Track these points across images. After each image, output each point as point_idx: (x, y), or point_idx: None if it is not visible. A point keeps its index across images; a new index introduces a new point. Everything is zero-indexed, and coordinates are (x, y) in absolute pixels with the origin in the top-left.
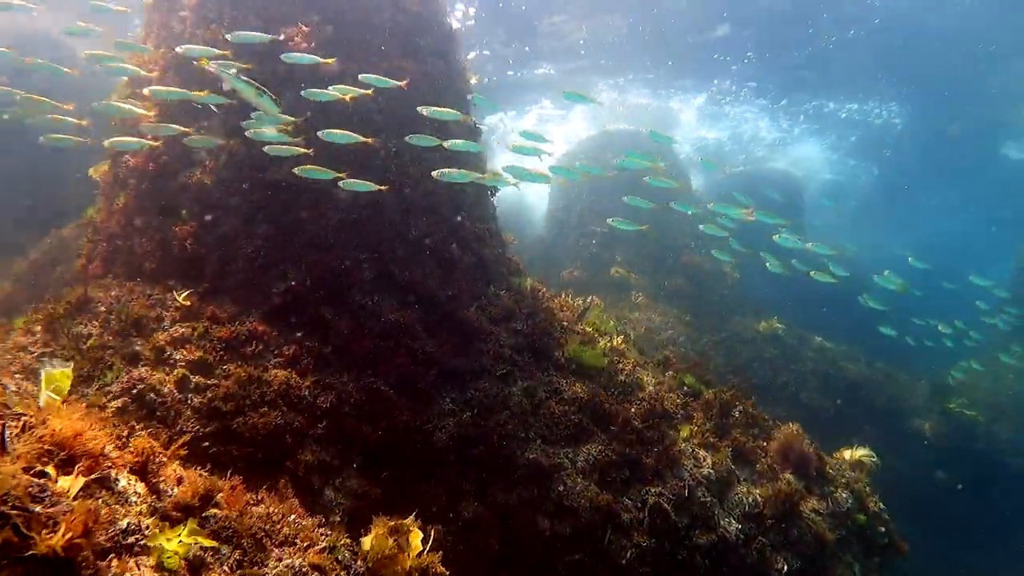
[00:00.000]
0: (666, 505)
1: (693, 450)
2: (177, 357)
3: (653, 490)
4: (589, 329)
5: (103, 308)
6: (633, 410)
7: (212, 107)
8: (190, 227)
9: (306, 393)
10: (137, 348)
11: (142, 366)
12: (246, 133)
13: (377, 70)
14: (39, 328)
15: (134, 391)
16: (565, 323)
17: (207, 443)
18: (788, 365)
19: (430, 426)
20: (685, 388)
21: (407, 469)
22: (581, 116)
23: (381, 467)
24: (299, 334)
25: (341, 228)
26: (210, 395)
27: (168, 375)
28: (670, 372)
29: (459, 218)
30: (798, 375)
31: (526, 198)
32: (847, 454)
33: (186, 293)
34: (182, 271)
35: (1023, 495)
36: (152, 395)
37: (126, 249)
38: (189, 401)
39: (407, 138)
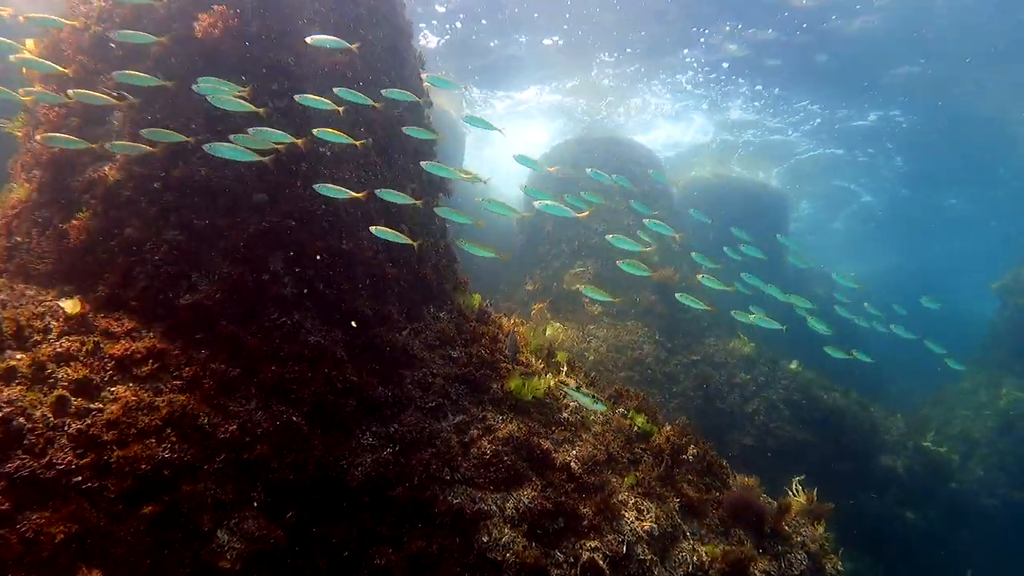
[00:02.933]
0: (601, 562)
1: (637, 501)
2: (60, 375)
3: (588, 544)
4: (535, 360)
5: None
6: (574, 453)
7: (127, 96)
8: (86, 225)
9: (204, 421)
10: (14, 363)
11: (16, 385)
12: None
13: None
14: None
15: None
16: (508, 352)
17: (79, 477)
18: (760, 392)
19: (345, 462)
20: (636, 429)
21: (316, 510)
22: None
23: (286, 507)
24: (204, 353)
25: (261, 237)
26: (90, 421)
27: (45, 396)
28: (621, 409)
29: (398, 230)
30: (769, 404)
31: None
32: (804, 500)
33: (75, 301)
34: (81, 276)
35: (994, 537)
36: (21, 420)
37: (25, 247)
38: (66, 428)
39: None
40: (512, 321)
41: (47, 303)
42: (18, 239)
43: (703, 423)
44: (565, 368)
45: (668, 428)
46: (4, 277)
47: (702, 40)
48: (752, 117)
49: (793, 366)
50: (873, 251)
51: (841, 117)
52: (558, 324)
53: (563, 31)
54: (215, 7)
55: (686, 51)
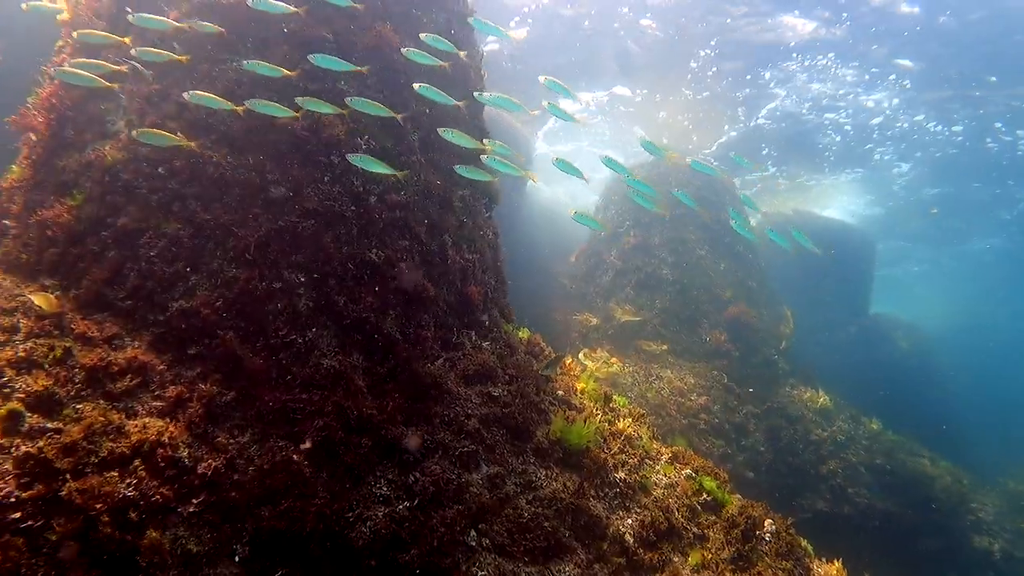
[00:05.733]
0: None
1: None
2: (17, 385)
3: None
4: (589, 402)
5: None
6: (630, 521)
7: (139, 67)
8: (75, 211)
9: (183, 454)
10: None
11: None
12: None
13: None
14: None
15: None
16: (560, 392)
17: (18, 513)
18: (838, 452)
19: (351, 515)
20: (705, 496)
21: (311, 571)
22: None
23: (274, 565)
24: (195, 371)
25: (273, 239)
26: (44, 444)
27: None
28: (687, 471)
29: (439, 243)
30: (848, 466)
31: (566, 226)
32: None
33: (51, 298)
34: (66, 269)
35: None
36: None
37: (12, 233)
38: (12, 450)
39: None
40: (567, 359)
41: (21, 298)
42: (7, 223)
43: (772, 482)
44: (626, 420)
45: (739, 499)
46: None
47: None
48: None
49: (875, 425)
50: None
51: None
52: (617, 361)
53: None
54: None
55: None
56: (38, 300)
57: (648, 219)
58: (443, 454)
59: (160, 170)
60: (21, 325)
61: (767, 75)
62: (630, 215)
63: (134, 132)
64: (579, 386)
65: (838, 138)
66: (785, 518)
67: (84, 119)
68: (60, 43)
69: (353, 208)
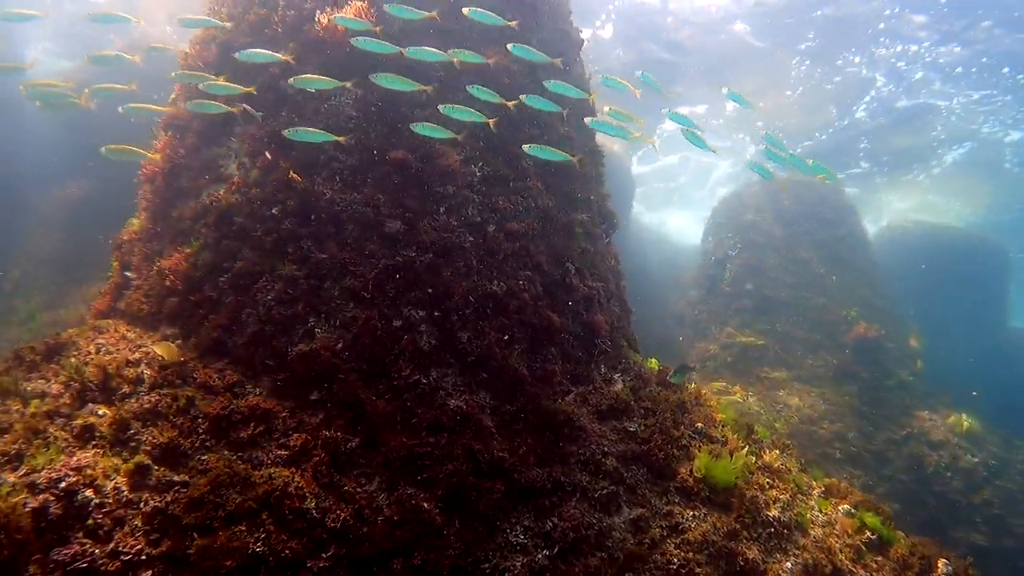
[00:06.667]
0: None
1: None
2: (143, 438)
3: None
4: (731, 434)
5: (77, 359)
6: (788, 565)
7: (249, 109)
8: (193, 258)
9: (311, 505)
10: (94, 419)
11: (92, 447)
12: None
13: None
14: None
15: (62, 486)
16: (699, 425)
17: (149, 572)
18: (993, 479)
19: (487, 566)
20: (868, 534)
21: None
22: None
23: None
24: (318, 417)
25: (391, 275)
26: (172, 498)
27: (122, 463)
28: (844, 506)
29: (562, 272)
30: (1006, 495)
31: (671, 251)
32: None
33: (173, 347)
34: (185, 317)
35: None
36: (88, 493)
37: (135, 284)
38: (141, 505)
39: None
40: (698, 387)
41: (144, 349)
42: (129, 275)
43: (919, 515)
44: (773, 452)
45: (904, 536)
46: (114, 317)
47: None
48: None
49: None
50: None
51: None
52: (739, 390)
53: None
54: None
55: None
56: (160, 350)
57: (760, 240)
58: (581, 497)
59: (274, 211)
60: (145, 376)
61: (861, 61)
62: (740, 237)
63: (286, 131)
64: (718, 417)
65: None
66: (963, 557)
67: (198, 165)
68: (173, 95)
69: (471, 239)
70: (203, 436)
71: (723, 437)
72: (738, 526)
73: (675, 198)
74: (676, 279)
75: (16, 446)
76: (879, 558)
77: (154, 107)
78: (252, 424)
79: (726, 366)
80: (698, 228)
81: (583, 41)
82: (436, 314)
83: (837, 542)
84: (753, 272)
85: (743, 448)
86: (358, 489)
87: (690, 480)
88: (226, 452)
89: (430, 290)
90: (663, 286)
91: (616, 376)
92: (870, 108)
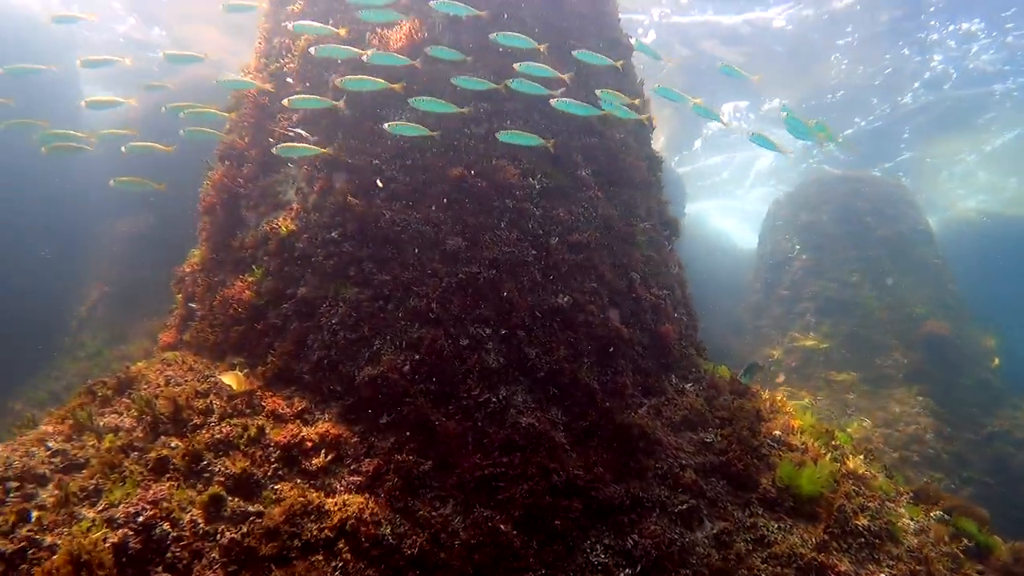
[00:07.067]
0: None
1: None
2: (216, 468)
3: None
4: (811, 441)
5: (148, 392)
6: None
7: (303, 134)
8: (255, 286)
9: (387, 531)
10: (168, 452)
11: (167, 480)
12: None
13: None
14: (70, 417)
15: (140, 520)
16: (777, 433)
17: None
18: None
19: None
20: (965, 541)
21: None
22: None
23: None
24: (389, 441)
25: (455, 293)
26: (247, 529)
27: (197, 495)
28: (937, 512)
29: (626, 281)
30: None
31: (724, 258)
32: None
33: (240, 376)
34: (251, 345)
35: None
36: (165, 526)
37: (199, 315)
38: (217, 537)
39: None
40: (771, 394)
41: (213, 379)
42: (193, 306)
43: (1008, 518)
44: (857, 458)
45: (1003, 542)
46: (181, 349)
47: None
48: None
49: None
50: None
51: None
52: (806, 395)
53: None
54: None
55: None
56: (228, 379)
57: (819, 240)
58: (661, 512)
59: (333, 234)
60: (215, 406)
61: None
62: (799, 237)
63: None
64: (796, 423)
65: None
66: None
67: (256, 194)
68: (228, 125)
69: (534, 252)
70: (275, 465)
71: (803, 444)
72: (827, 537)
73: (717, 195)
74: (728, 286)
75: (94, 481)
76: (979, 567)
77: (212, 130)
78: (323, 451)
79: (790, 371)
80: (740, 228)
81: (633, 48)
82: (502, 331)
83: (933, 551)
84: (814, 273)
85: (825, 455)
86: (433, 513)
87: (772, 490)
88: (299, 480)
89: (495, 306)
90: (717, 293)
91: (688, 386)
92: (917, 94)
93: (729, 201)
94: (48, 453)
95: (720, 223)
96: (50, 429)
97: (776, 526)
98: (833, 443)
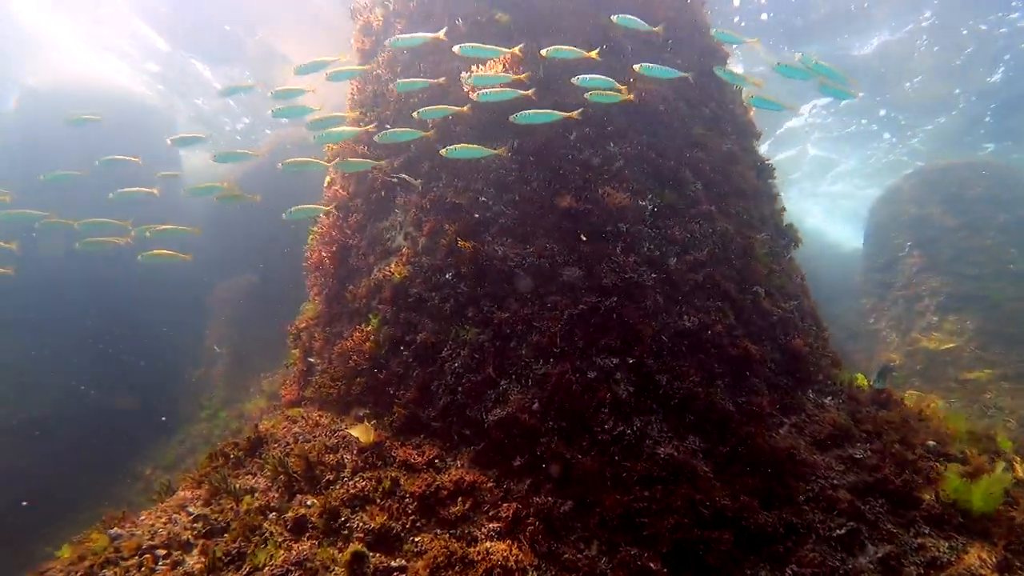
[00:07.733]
0: None
1: None
2: (354, 524)
3: None
4: (970, 448)
5: (278, 451)
6: None
7: (407, 178)
8: (366, 337)
9: None
10: (304, 511)
11: (307, 538)
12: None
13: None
14: (206, 482)
15: None
16: (931, 442)
17: None
18: None
19: None
20: None
21: None
22: None
23: None
24: (525, 483)
25: (577, 325)
26: None
27: (339, 553)
28: None
29: (752, 296)
30: None
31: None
32: None
33: (368, 428)
34: (374, 396)
35: None
36: None
37: (319, 369)
38: None
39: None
40: (920, 402)
41: (340, 433)
42: (312, 360)
43: None
44: (1021, 460)
45: None
46: (303, 405)
47: None
48: None
49: None
50: None
51: None
52: (936, 399)
53: None
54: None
55: None
56: (356, 432)
57: (932, 234)
58: (817, 538)
59: (447, 276)
60: (346, 461)
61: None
62: (908, 234)
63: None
64: (950, 429)
65: None
66: None
67: (365, 242)
68: (328, 178)
69: (653, 275)
70: (412, 516)
71: (961, 453)
72: (1008, 555)
73: (792, 193)
74: (840, 286)
75: (236, 544)
76: None
77: (313, 206)
78: (460, 498)
79: (915, 374)
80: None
81: (728, 55)
82: (629, 360)
83: None
84: (929, 269)
85: (994, 465)
86: (578, 555)
87: (937, 507)
88: (438, 531)
89: (619, 335)
90: (822, 295)
91: (827, 400)
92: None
93: (810, 202)
94: (190, 519)
95: (814, 222)
96: (188, 494)
97: (947, 545)
98: (994, 449)
